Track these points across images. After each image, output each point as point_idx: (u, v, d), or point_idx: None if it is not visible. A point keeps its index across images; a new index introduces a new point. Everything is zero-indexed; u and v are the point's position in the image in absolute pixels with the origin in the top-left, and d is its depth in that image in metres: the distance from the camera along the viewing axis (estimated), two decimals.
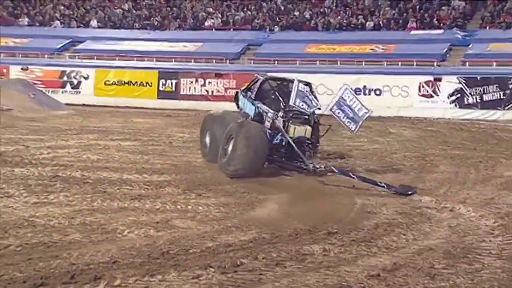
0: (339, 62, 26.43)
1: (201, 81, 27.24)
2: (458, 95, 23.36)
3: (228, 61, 28.61)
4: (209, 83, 27.16)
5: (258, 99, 10.54)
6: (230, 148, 9.52)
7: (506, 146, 14.18)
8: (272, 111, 10.06)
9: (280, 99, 10.39)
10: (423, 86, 23.88)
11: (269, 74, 11.90)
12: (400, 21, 29.40)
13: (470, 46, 26.16)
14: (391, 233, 6.33)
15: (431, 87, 23.79)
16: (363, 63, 26.04)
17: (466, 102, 23.31)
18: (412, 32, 28.29)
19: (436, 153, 12.83)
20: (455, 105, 23.42)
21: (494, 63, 24.28)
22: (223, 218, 6.78)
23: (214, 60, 28.61)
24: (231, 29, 31.83)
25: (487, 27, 28.16)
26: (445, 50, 26.27)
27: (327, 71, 25.19)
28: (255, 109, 10.41)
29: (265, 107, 10.28)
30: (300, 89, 9.84)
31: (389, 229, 6.48)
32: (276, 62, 27.47)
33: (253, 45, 29.85)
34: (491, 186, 9.17)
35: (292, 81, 10.29)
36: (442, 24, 28.73)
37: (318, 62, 26.82)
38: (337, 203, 7.81)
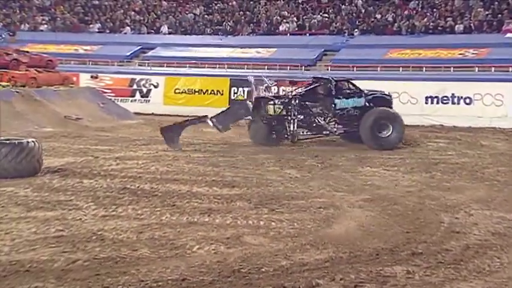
0: (424, 69, 25.88)
1: (274, 89, 27.31)
2: None
3: (303, 68, 28.61)
4: (283, 91, 27.19)
5: None
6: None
7: None
8: None
9: None
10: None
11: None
12: (494, 23, 28.47)
13: None
14: (483, 256, 6.12)
15: None
16: (451, 69, 25.37)
17: None
18: (508, 35, 27.31)
19: None
20: None
21: None
22: (297, 235, 6.77)
23: (288, 67, 28.67)
24: (307, 34, 31.83)
25: None
26: None
27: (410, 78, 24.73)
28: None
29: None
30: None
31: (481, 251, 6.27)
32: (355, 68, 27.24)
33: (330, 51, 29.72)
34: None
35: None
36: None
37: (400, 69, 26.36)
38: (422, 221, 7.63)
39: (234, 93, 27.90)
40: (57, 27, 35.26)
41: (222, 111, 16.62)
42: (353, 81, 16.87)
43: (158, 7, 36.46)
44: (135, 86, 29.16)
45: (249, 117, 16.45)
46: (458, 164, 12.80)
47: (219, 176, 10.54)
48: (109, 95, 27.17)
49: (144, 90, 29.04)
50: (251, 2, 34.91)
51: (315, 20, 32.39)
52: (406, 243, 6.49)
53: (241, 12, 34.48)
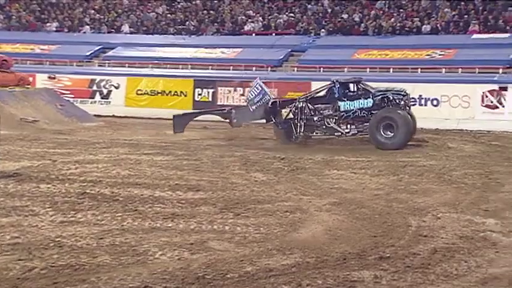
0: (391, 70, 26.22)
1: (239, 90, 27.37)
2: None
3: (269, 68, 28.70)
4: (249, 92, 27.23)
5: None
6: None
7: None
8: None
9: None
10: (487, 96, 23.45)
11: None
12: (461, 23, 29.00)
13: None
14: (451, 260, 6.22)
15: (496, 97, 23.34)
16: (419, 70, 25.76)
17: None
18: (474, 36, 27.85)
19: (501, 170, 12.57)
20: None
21: None
22: (263, 240, 6.79)
23: (254, 68, 28.72)
24: (273, 34, 31.96)
25: None
26: None
27: (378, 79, 24.96)
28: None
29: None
30: None
31: (448, 255, 6.37)
32: (322, 69, 27.43)
33: (297, 52, 29.87)
34: None
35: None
36: (508, 27, 28.21)
37: (368, 70, 26.64)
38: (389, 224, 7.72)
39: (198, 94, 27.86)
40: (13, 26, 34.68)
41: (244, 109, 18.48)
42: (364, 82, 17.73)
43: (119, 5, 36.16)
44: (95, 87, 28.85)
45: (264, 119, 18.13)
46: (426, 167, 12.98)
47: (183, 180, 10.50)
48: (67, 97, 26.83)
49: (105, 91, 28.76)
50: (215, 1, 34.89)
51: (281, 20, 32.52)
52: (374, 247, 6.56)
53: (205, 12, 34.42)
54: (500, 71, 24.83)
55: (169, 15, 34.82)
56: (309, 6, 33.10)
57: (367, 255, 6.28)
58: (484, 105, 23.48)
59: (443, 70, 25.61)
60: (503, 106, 23.24)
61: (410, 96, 24.09)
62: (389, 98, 16.80)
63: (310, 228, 7.47)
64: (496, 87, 23.53)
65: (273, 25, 32.45)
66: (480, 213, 8.46)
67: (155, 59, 29.80)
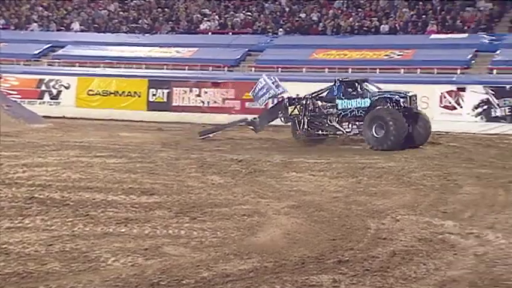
0: (350, 70, 26.47)
1: (195, 90, 27.29)
2: (485, 107, 23.36)
3: (226, 68, 28.71)
4: (205, 92, 27.21)
5: None
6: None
7: None
8: None
9: None
10: (445, 97, 23.91)
11: None
12: (419, 24, 29.52)
13: (498, 52, 26.20)
14: (410, 262, 6.32)
15: (454, 97, 23.81)
16: (377, 70, 26.11)
17: (493, 115, 23.31)
18: (433, 36, 28.38)
19: (460, 172, 12.83)
20: (482, 118, 23.43)
21: None
22: (220, 245, 6.78)
23: (210, 68, 28.70)
24: (230, 33, 31.97)
25: None
26: (470, 56, 26.33)
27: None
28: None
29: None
30: None
31: (407, 258, 6.47)
32: (280, 69, 27.55)
33: (254, 51, 29.95)
34: None
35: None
36: (466, 28, 28.83)
37: (326, 70, 26.89)
38: (348, 227, 7.81)
39: (153, 95, 27.67)
40: None
41: (264, 112, 19.98)
42: (370, 82, 18.35)
43: (68, 2, 35.66)
44: (43, 87, 28.40)
45: (282, 117, 18.98)
46: (385, 168, 13.17)
47: (137, 183, 10.42)
48: (14, 97, 26.36)
49: (54, 91, 28.32)
50: None
51: (238, 19, 32.58)
52: (333, 251, 6.62)
53: (159, 9, 34.22)
54: (458, 71, 25.36)
55: (121, 12, 34.51)
56: (266, 5, 33.24)
57: (325, 259, 6.34)
58: (442, 106, 23.93)
59: (402, 70, 26.02)
60: (461, 107, 23.73)
61: None
62: (387, 98, 17.05)
63: (268, 232, 7.49)
64: (454, 88, 24.01)
65: (229, 24, 32.47)
66: (439, 215, 8.62)
67: (107, 58, 29.49)
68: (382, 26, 29.84)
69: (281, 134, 21.38)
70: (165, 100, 27.55)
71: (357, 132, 17.35)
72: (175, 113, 26.92)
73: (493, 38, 27.34)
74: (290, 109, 18.59)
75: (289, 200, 9.50)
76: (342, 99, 17.48)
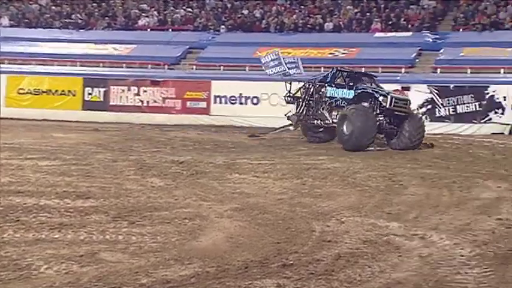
0: None
1: (134, 89, 27.03)
2: (429, 107, 23.93)
3: (166, 66, 28.53)
4: (144, 91, 26.98)
5: None
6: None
7: (482, 164, 14.59)
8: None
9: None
10: None
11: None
12: (363, 22, 30.00)
13: (441, 51, 26.89)
14: (355, 265, 6.41)
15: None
16: (322, 69, 26.39)
17: (437, 115, 23.90)
18: (377, 35, 28.90)
19: (404, 172, 13.08)
20: (426, 117, 23.93)
21: (469, 70, 25.04)
22: (160, 250, 6.73)
23: (149, 66, 28.47)
24: (170, 30, 31.78)
25: (460, 30, 29.03)
26: (414, 55, 26.94)
27: (280, 78, 25.41)
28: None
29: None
30: None
31: (352, 260, 6.56)
32: (223, 67, 27.57)
33: (195, 49, 29.88)
34: (466, 211, 9.41)
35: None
36: (410, 26, 29.46)
37: None
38: (293, 230, 7.86)
39: (89, 93, 27.28)
40: None
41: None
42: (374, 78, 18.72)
43: None
44: None
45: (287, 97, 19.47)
46: (330, 169, 13.32)
47: (72, 187, 10.24)
48: None
49: None
50: None
51: (178, 15, 32.42)
52: (277, 255, 6.65)
53: (94, 4, 33.72)
54: (403, 70, 25.90)
55: (54, 7, 33.87)
56: (208, 1, 33.20)
57: (269, 262, 6.36)
58: None
59: None
60: None
61: None
62: (370, 94, 17.17)
63: (210, 235, 7.48)
64: (398, 87, 24.46)
65: (169, 20, 32.29)
66: (384, 217, 8.77)
67: (39, 55, 28.89)
68: (326, 23, 30.20)
69: (223, 134, 21.43)
70: (101, 99, 27.19)
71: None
72: (112, 113, 26.62)
73: (437, 36, 28.03)
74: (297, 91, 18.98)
75: (232, 203, 9.50)
76: (331, 86, 17.77)
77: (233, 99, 26.30)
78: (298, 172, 12.77)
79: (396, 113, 17.18)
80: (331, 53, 27.70)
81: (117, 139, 18.71)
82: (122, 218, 8.13)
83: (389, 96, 17.18)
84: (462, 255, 6.83)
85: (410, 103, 17.86)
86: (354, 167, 13.73)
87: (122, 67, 28.38)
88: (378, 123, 16.81)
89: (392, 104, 17.10)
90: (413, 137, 17.09)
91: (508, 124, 23.24)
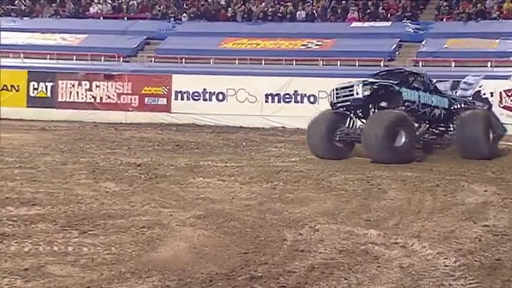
0: (263, 61, 26.80)
1: (85, 84, 26.82)
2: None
3: (121, 59, 28.37)
4: (96, 87, 26.80)
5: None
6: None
7: (468, 166, 14.75)
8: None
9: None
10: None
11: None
12: (339, 10, 30.20)
13: (423, 42, 27.21)
14: (330, 277, 6.44)
15: None
16: (294, 62, 26.53)
17: None
18: (354, 25, 29.12)
19: (384, 175, 13.18)
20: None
21: (453, 64, 25.35)
22: (115, 262, 6.69)
23: (103, 58, 28.28)
24: (125, 18, 31.63)
25: (444, 19, 29.40)
26: (394, 46, 27.21)
27: (248, 72, 25.51)
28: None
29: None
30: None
31: (327, 272, 6.59)
32: (185, 60, 27.50)
33: (154, 39, 29.78)
34: (451, 217, 9.50)
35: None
36: (389, 15, 29.75)
37: (237, 61, 27.06)
38: (262, 239, 7.87)
39: (34, 89, 27.01)
40: None
41: None
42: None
43: None
44: None
45: None
46: (303, 172, 13.36)
47: (15, 193, 10.13)
48: None
49: None
50: None
51: (134, 2, 32.28)
52: (245, 266, 6.65)
53: None
54: (382, 63, 26.10)
55: None
56: None
57: (236, 275, 6.36)
58: None
59: (321, 62, 26.49)
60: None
61: (286, 92, 25.07)
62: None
63: (171, 246, 7.45)
64: None
65: (124, 8, 32.13)
66: (361, 224, 8.82)
67: None
68: (299, 12, 30.34)
69: (185, 134, 21.39)
70: (48, 95, 26.94)
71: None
72: (61, 111, 26.40)
73: (419, 26, 28.35)
74: None
75: (196, 209, 9.48)
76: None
77: (196, 96, 26.27)
78: (268, 175, 12.79)
79: None
80: (303, 45, 27.83)
81: (67, 139, 18.56)
82: (72, 227, 8.06)
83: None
84: (446, 266, 6.90)
85: None
86: (330, 169, 13.80)
87: (71, 59, 28.16)
88: None
89: None
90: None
91: None
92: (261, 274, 6.39)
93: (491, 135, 16.30)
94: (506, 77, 24.17)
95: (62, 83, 26.90)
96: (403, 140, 15.00)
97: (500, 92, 23.64)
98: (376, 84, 15.76)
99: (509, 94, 23.62)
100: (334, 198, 10.71)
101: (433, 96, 16.54)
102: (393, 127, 14.81)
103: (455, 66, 25.32)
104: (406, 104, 15.68)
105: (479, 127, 15.97)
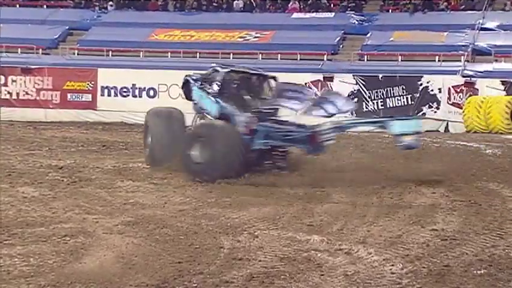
0: (197, 55, 26.76)
1: (1, 79, 26.32)
2: (355, 100, 24.39)
3: (40, 51, 27.92)
4: (13, 81, 26.33)
5: (221, 96, 13.34)
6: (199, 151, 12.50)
7: (416, 166, 14.99)
8: (244, 115, 12.97)
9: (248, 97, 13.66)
10: (310, 88, 24.70)
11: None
12: (279, 0, 30.34)
13: (368, 35, 27.58)
14: (270, 287, 6.47)
15: (321, 89, 24.67)
16: (231, 56, 26.55)
17: (364, 109, 24.45)
18: (295, 16, 29.33)
19: (327, 176, 13.29)
20: (351, 112, 24.46)
21: (400, 58, 25.77)
22: (34, 274, 6.59)
23: (19, 50, 27.79)
24: (44, 6, 31.13)
25: (390, 11, 29.87)
26: (337, 39, 27.51)
27: (182, 66, 25.37)
28: (219, 108, 13.23)
29: (232, 109, 13.16)
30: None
31: (267, 281, 6.62)
32: (111, 53, 27.24)
33: (77, 30, 29.41)
34: (397, 220, 9.65)
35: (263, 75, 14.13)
36: (332, 6, 30.05)
37: (169, 54, 26.96)
38: (197, 247, 7.86)
39: None
40: None
41: None
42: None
43: None
44: None
45: None
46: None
47: None
48: None
49: None
50: None
51: None
52: (178, 277, 6.63)
53: None
54: (325, 57, 26.36)
55: None
56: None
57: (169, 286, 6.34)
58: None
59: (260, 56, 26.59)
60: None
61: None
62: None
63: (97, 255, 7.38)
64: (320, 77, 24.91)
65: None
66: (304, 229, 8.88)
67: None
68: (236, 1, 30.39)
69: (113, 133, 21.22)
70: None
71: None
72: None
73: (363, 18, 28.71)
74: None
75: (124, 215, 9.42)
76: None
77: (124, 91, 26.08)
78: None
79: None
80: (241, 37, 27.90)
81: None
82: None
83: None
84: (393, 273, 7.01)
85: None
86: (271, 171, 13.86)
87: None
88: None
89: None
90: None
91: (444, 120, 24.04)
92: (195, 285, 6.39)
93: None
94: (454, 72, 24.65)
95: None
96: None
97: (449, 88, 24.10)
98: None
99: (458, 90, 24.09)
100: (274, 202, 10.76)
101: None
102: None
103: (402, 60, 25.72)
104: None
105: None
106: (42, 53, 27.92)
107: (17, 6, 31.19)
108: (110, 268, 6.95)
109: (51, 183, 11.83)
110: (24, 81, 26.26)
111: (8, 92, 26.27)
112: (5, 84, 26.31)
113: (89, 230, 8.52)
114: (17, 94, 26.25)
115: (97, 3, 30.85)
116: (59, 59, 27.38)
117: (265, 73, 14.43)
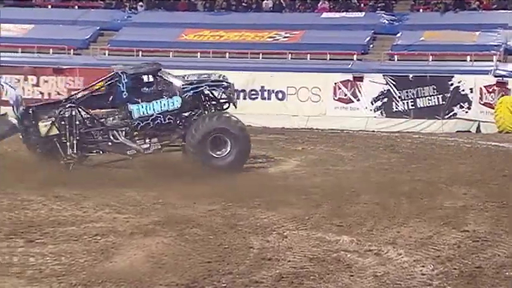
0: (227, 55, 26.75)
1: (33, 79, 26.52)
2: (385, 100, 24.31)
3: (72, 51, 28.10)
4: (45, 82, 26.51)
5: None
6: None
7: (447, 167, 14.89)
8: None
9: None
10: (339, 88, 24.63)
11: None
12: (308, 0, 30.23)
13: (399, 34, 27.38)
14: (299, 287, 6.46)
15: (350, 89, 24.57)
16: (260, 56, 26.51)
17: (394, 109, 24.29)
18: (324, 15, 29.20)
19: (356, 177, 13.24)
20: (381, 113, 24.36)
21: (430, 58, 25.57)
22: (65, 273, 6.64)
23: (51, 50, 27.99)
24: (76, 7, 31.34)
25: (420, 10, 29.64)
26: (367, 39, 27.34)
27: (210, 66, 25.37)
28: None
29: None
30: None
31: (296, 282, 6.61)
32: (141, 53, 27.34)
33: (107, 30, 29.54)
34: (428, 222, 9.58)
35: None
36: (362, 5, 29.89)
37: (198, 54, 26.99)
38: (227, 247, 7.88)
39: None
40: None
41: None
42: (166, 71, 15.52)
43: None
44: None
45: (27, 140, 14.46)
46: (270, 174, 13.37)
47: None
48: None
49: None
50: None
51: None
52: (207, 276, 6.65)
53: None
54: (355, 57, 26.22)
55: None
56: None
57: (198, 286, 6.36)
58: (336, 98, 24.61)
59: (289, 56, 26.52)
60: (359, 100, 24.50)
61: (251, 88, 25.06)
62: (205, 93, 14.94)
63: (127, 255, 7.42)
64: (350, 77, 24.77)
65: None
66: (333, 230, 8.86)
67: None
68: (265, 1, 30.33)
69: None
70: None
71: (159, 147, 14.34)
72: (5, 108, 25.99)
73: (393, 18, 28.51)
74: (43, 127, 14.09)
75: (154, 215, 9.45)
76: (138, 102, 14.23)
77: None
78: (232, 177, 12.77)
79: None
80: (270, 37, 27.82)
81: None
82: (18, 235, 8.01)
83: (230, 86, 15.38)
84: (423, 274, 6.97)
85: None
86: (299, 171, 13.84)
87: (16, 52, 27.80)
88: None
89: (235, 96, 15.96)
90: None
91: (476, 120, 23.80)
92: (225, 285, 6.40)
93: None
94: (486, 72, 24.40)
95: (6, 78, 26.53)
96: None
97: (481, 88, 23.86)
98: None
99: (490, 90, 23.85)
100: (304, 202, 10.74)
101: None
102: None
103: (432, 60, 25.52)
104: None
105: None
106: (74, 54, 28.08)
107: (49, 7, 31.41)
108: (140, 267, 6.99)
109: (82, 183, 11.88)
110: (56, 82, 26.43)
111: (40, 92, 26.45)
112: (37, 85, 26.49)
113: (119, 229, 8.58)
114: (49, 94, 26.41)
115: (127, 4, 30.97)
116: (90, 59, 27.51)
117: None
